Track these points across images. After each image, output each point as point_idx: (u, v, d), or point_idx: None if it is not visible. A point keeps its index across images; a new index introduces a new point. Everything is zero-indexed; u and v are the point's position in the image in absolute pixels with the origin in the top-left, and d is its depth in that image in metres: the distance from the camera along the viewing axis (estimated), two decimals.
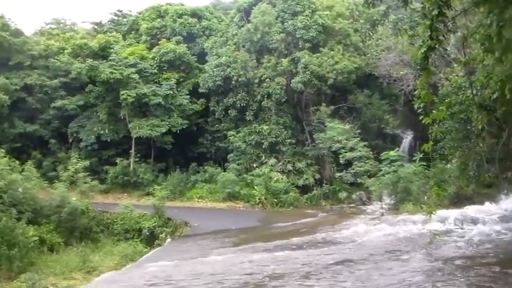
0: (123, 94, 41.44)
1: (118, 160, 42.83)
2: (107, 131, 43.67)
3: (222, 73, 41.94)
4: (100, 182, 38.61)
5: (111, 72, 41.76)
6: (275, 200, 38.32)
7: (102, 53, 45.37)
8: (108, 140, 43.78)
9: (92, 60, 43.30)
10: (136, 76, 42.35)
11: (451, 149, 18.99)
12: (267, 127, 41.39)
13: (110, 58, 43.59)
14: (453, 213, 24.99)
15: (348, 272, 16.95)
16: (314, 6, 42.04)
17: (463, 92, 16.15)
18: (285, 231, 28.00)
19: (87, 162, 36.54)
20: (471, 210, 25.86)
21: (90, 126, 44.42)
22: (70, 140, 46.09)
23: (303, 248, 22.25)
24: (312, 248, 22.29)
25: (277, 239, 24.64)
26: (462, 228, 22.70)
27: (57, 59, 46.97)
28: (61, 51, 48.33)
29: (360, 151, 36.54)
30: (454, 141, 18.03)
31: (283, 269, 18.02)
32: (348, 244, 22.59)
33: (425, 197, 27.99)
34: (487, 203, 26.65)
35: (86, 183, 33.93)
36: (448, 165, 25.11)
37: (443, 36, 10.81)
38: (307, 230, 27.46)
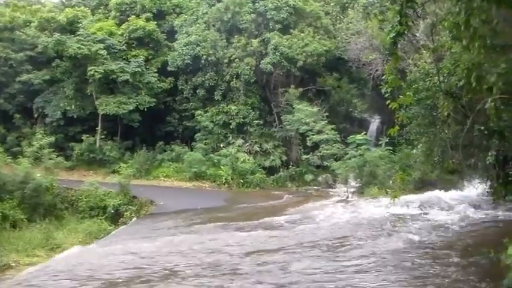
0: (91, 70, 40.89)
1: (84, 137, 42.22)
2: (73, 107, 43.02)
3: (191, 52, 41.67)
4: (65, 159, 38.15)
5: (79, 48, 41.12)
6: (241, 181, 38.47)
7: (70, 28, 44.51)
8: (75, 116, 43.16)
9: (59, 34, 42.50)
10: (104, 52, 41.77)
11: (417, 135, 19.19)
12: (235, 107, 41.37)
13: (78, 33, 42.83)
14: (417, 198, 25.38)
15: (290, 257, 16.95)
16: None
17: (430, 79, 16.29)
18: (249, 212, 28.17)
19: (52, 138, 36.07)
20: (435, 195, 26.31)
21: (56, 102, 43.67)
22: (35, 115, 45.29)
23: (256, 230, 22.35)
24: (266, 229, 22.39)
25: (235, 221, 24.75)
26: (425, 213, 23.08)
27: (23, 32, 45.95)
28: (27, 24, 47.28)
29: (327, 134, 36.81)
30: (420, 126, 18.21)
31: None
32: (306, 226, 22.74)
33: (391, 181, 28.35)
34: (451, 189, 27.13)
35: (50, 159, 33.51)
36: (414, 151, 25.45)
37: (413, 22, 10.89)
38: (270, 211, 27.61)
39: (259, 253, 17.86)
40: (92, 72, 40.88)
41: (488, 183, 18.54)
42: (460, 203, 24.27)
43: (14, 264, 20.86)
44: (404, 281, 13.64)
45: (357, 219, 23.32)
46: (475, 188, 24.75)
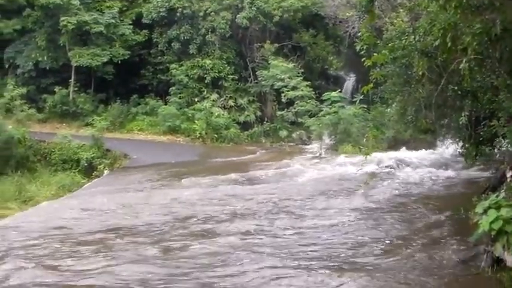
0: (63, 21, 39.88)
1: (57, 89, 41.37)
2: (45, 58, 42.06)
3: (167, 4, 40.95)
4: (38, 111, 37.77)
5: None
6: (215, 135, 38.38)
7: None
8: (47, 68, 42.20)
9: None
10: (77, 2, 40.73)
11: (392, 93, 19.18)
12: (210, 62, 40.95)
13: None
14: (390, 156, 25.71)
15: (268, 213, 17.13)
16: None
17: (406, 38, 16.22)
18: (221, 166, 28.36)
19: (24, 90, 35.63)
20: (407, 154, 26.68)
21: (28, 53, 42.68)
22: (6, 66, 44.30)
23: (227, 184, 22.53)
24: (237, 184, 22.60)
25: (207, 175, 24.98)
26: (397, 171, 23.39)
27: None
28: None
29: (302, 90, 36.82)
30: (395, 85, 18.19)
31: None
32: (280, 183, 22.94)
33: (364, 139, 28.55)
34: (423, 148, 27.50)
35: (22, 111, 33.21)
36: (388, 109, 25.60)
37: None
38: (241, 166, 27.74)
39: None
40: (64, 23, 39.89)
41: (461, 143, 18.74)
42: (432, 162, 24.68)
43: None
44: (373, 238, 13.86)
45: (329, 176, 23.56)
46: (447, 148, 25.09)
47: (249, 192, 20.94)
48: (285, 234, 14.61)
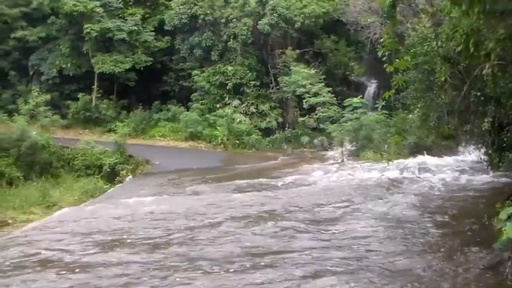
0: (87, 28, 40.43)
1: (80, 95, 41.98)
2: (69, 65, 42.66)
3: (189, 11, 41.23)
4: (61, 117, 38.09)
5: (74, 5, 40.54)
6: (237, 142, 38.52)
7: None
8: (71, 75, 42.77)
9: None
10: (100, 10, 41.23)
11: (414, 99, 19.16)
12: (232, 68, 41.11)
13: None
14: (412, 162, 25.57)
15: (286, 219, 17.08)
16: None
17: (428, 43, 16.20)
18: (243, 173, 28.35)
19: (48, 96, 36.00)
20: (429, 160, 26.51)
21: (52, 60, 43.29)
22: (31, 73, 44.91)
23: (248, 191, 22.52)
24: (258, 191, 22.55)
25: (225, 181, 24.96)
26: (419, 177, 23.25)
27: None
28: None
29: (323, 97, 36.71)
30: (417, 91, 18.17)
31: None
32: (302, 188, 22.88)
33: (386, 146, 28.44)
34: (446, 154, 27.31)
35: (46, 117, 33.56)
36: (410, 115, 25.50)
37: None
38: (264, 172, 27.74)
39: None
40: (88, 30, 40.45)
41: (483, 149, 18.63)
42: (455, 169, 24.49)
43: (10, 221, 21.08)
44: (398, 246, 13.79)
45: (351, 182, 23.47)
46: (470, 154, 24.93)
47: (272, 197, 20.96)
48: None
